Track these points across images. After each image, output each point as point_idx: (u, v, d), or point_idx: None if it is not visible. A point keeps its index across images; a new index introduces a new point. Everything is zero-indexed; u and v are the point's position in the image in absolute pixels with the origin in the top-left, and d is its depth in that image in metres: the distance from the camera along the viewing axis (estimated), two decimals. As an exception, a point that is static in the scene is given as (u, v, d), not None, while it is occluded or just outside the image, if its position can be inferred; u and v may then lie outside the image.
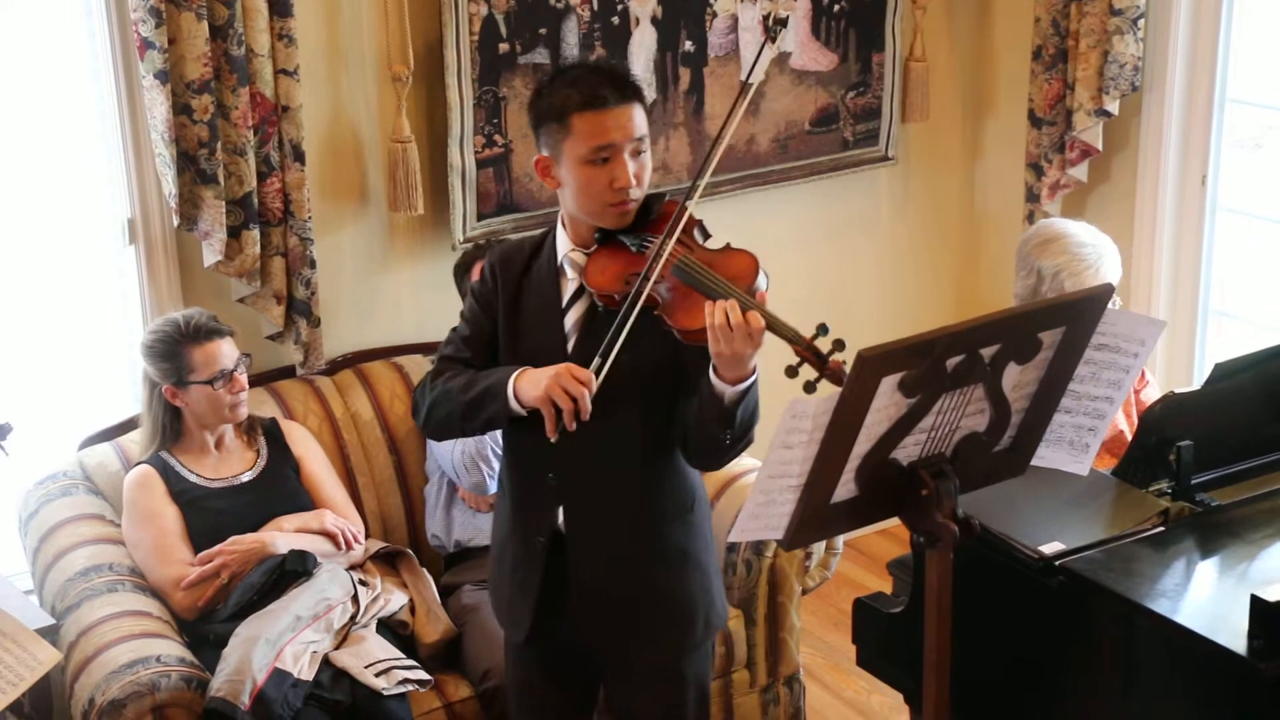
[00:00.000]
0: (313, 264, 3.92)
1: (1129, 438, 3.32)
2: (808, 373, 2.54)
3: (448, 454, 3.75)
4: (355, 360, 4.11)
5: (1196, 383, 3.30)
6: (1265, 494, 3.01)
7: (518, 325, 2.82)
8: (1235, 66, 4.37)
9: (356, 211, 4.10)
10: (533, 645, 2.96)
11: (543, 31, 4.11)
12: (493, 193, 4.15)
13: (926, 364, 2.40)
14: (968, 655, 2.74)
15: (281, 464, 3.70)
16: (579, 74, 2.72)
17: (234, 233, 3.79)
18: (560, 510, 2.84)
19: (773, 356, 2.62)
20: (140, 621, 3.32)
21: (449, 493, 3.86)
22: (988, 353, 2.47)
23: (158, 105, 3.62)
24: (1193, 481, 2.98)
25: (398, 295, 4.20)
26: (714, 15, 4.36)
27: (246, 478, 3.65)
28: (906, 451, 2.52)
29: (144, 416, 3.64)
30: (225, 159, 3.74)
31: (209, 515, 3.55)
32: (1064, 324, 2.52)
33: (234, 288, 3.91)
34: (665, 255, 2.66)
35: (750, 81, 2.75)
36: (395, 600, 3.56)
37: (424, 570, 3.72)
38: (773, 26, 2.75)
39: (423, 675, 3.39)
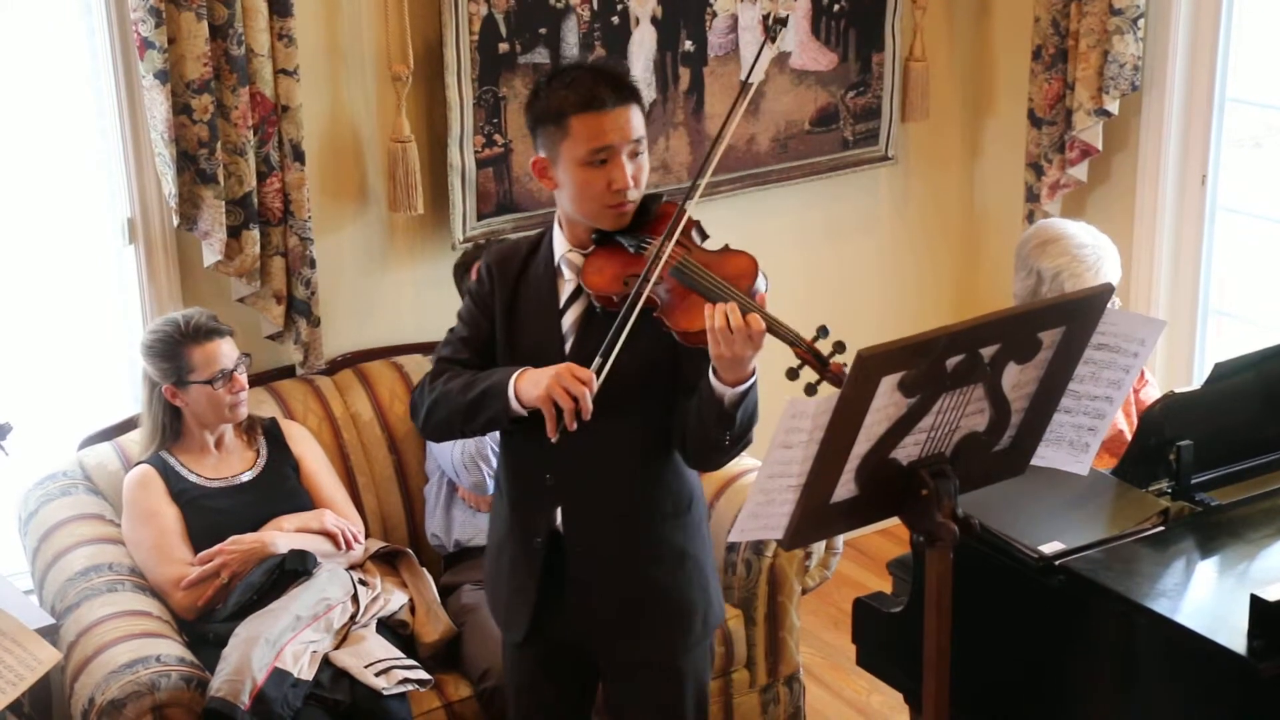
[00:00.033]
0: (312, 264, 3.92)
1: (1128, 437, 3.32)
2: (809, 375, 2.55)
3: (447, 454, 3.75)
4: (355, 360, 4.11)
5: (1196, 382, 3.30)
6: (1265, 494, 3.01)
7: (515, 325, 2.82)
8: (1235, 66, 4.37)
9: (356, 211, 4.10)
10: (530, 645, 2.96)
11: (543, 31, 4.11)
12: (492, 192, 4.15)
13: (926, 364, 2.40)
14: (967, 655, 2.74)
15: (281, 464, 3.70)
16: (576, 75, 2.71)
17: (234, 232, 3.79)
18: (559, 511, 2.84)
19: (773, 358, 2.63)
20: (140, 621, 3.32)
21: (449, 492, 3.86)
22: (988, 352, 2.47)
23: (157, 105, 3.61)
24: (1193, 481, 2.98)
25: (397, 295, 4.20)
26: (714, 15, 4.36)
27: (246, 477, 3.65)
28: (906, 451, 2.52)
29: (144, 416, 3.64)
30: (225, 159, 3.74)
31: (209, 515, 3.55)
32: (1064, 324, 2.52)
33: (234, 287, 3.91)
34: (665, 257, 2.66)
35: (750, 81, 2.75)
36: (395, 600, 3.56)
37: (424, 570, 3.72)
38: (773, 26, 2.75)
39: (422, 675, 3.39)
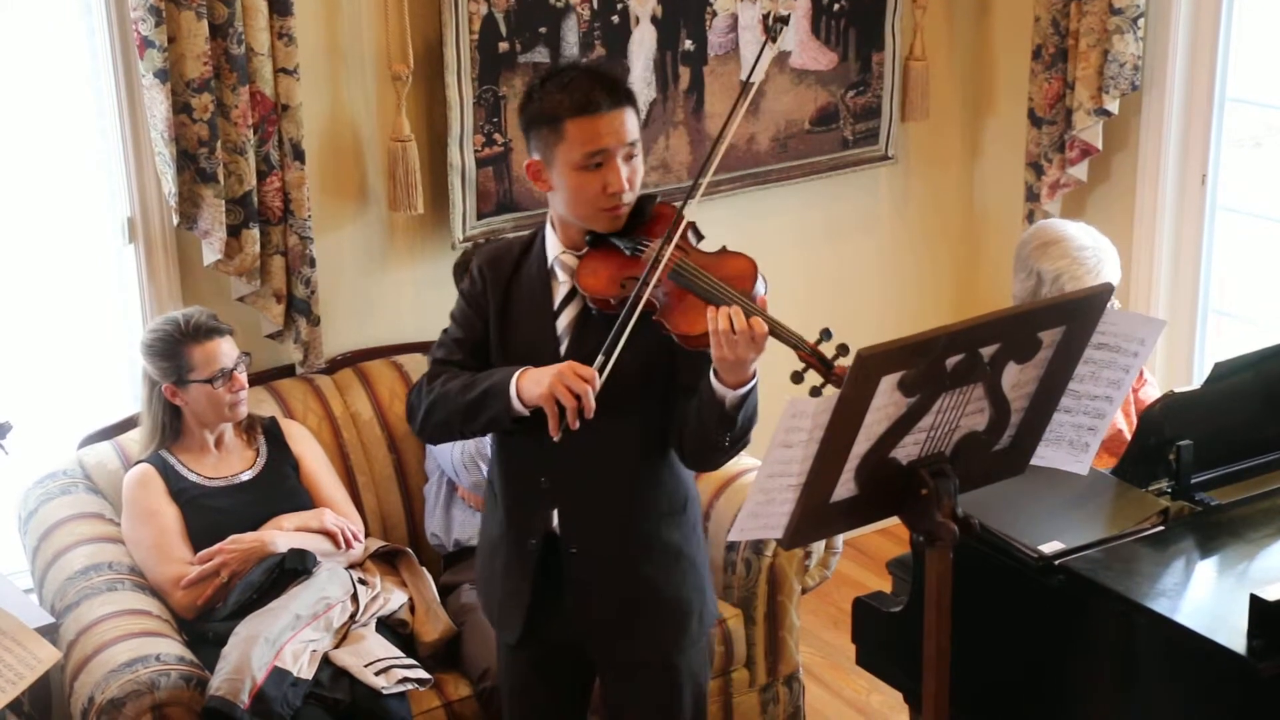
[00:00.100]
0: (312, 263, 3.92)
1: (1128, 437, 3.32)
2: (813, 378, 2.55)
3: (447, 453, 3.76)
4: (355, 359, 4.11)
5: (1196, 382, 3.30)
6: (1265, 493, 3.01)
7: (508, 326, 2.81)
8: (1235, 66, 4.37)
9: (356, 210, 4.10)
10: (525, 648, 2.95)
11: (542, 30, 4.11)
12: (492, 191, 4.15)
13: (926, 363, 2.40)
14: (967, 655, 2.74)
15: (281, 463, 3.70)
16: (571, 78, 2.69)
17: (234, 231, 3.79)
18: (555, 513, 2.83)
19: (775, 361, 2.63)
20: (140, 620, 3.32)
21: (448, 492, 3.86)
22: (987, 352, 2.47)
23: (157, 104, 3.61)
24: (1192, 481, 2.98)
25: (397, 294, 4.20)
26: (714, 14, 4.36)
27: (246, 476, 3.65)
28: (906, 451, 2.52)
29: (143, 415, 3.64)
30: (225, 158, 3.74)
31: (208, 514, 3.55)
32: (1064, 323, 2.52)
33: (234, 286, 3.91)
34: (664, 262, 2.65)
35: (751, 81, 2.73)
36: (395, 599, 3.56)
37: (423, 569, 3.72)
38: (773, 25, 2.73)
39: (422, 674, 3.39)
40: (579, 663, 2.99)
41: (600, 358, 2.63)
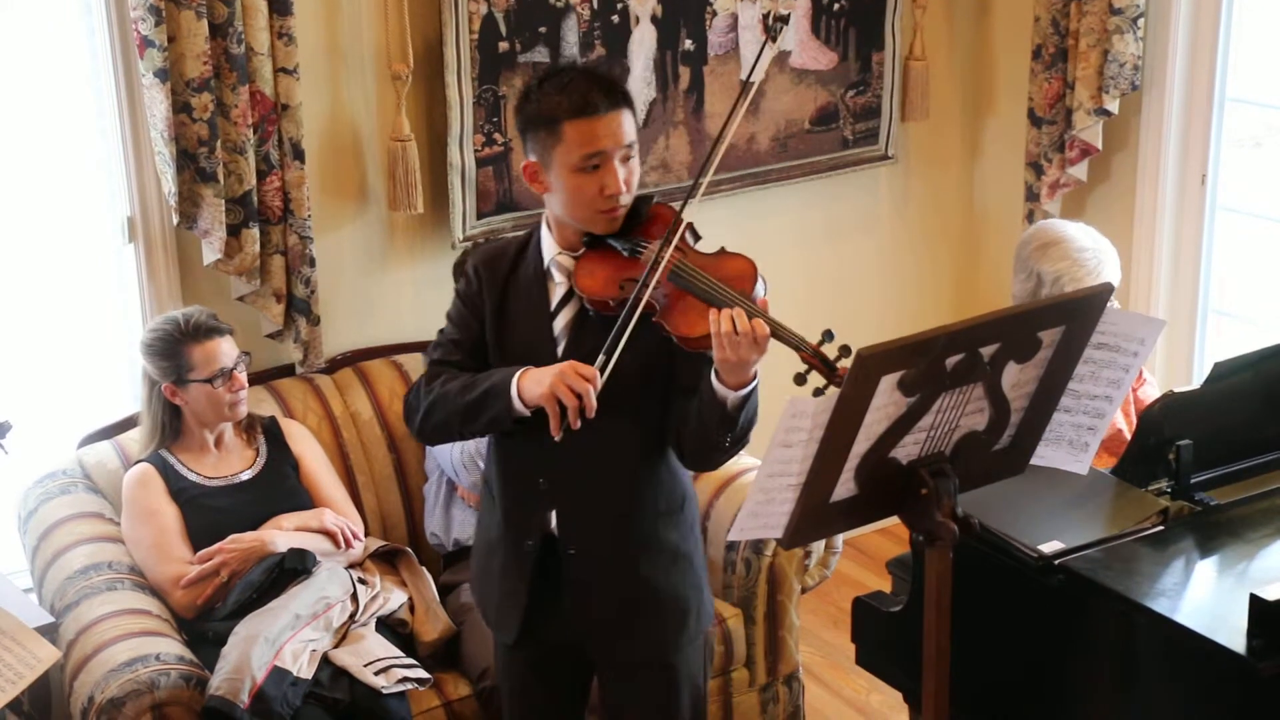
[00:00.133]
0: (312, 262, 3.92)
1: (1128, 437, 3.32)
2: (816, 380, 2.55)
3: (446, 453, 3.76)
4: (355, 359, 4.11)
5: (1196, 382, 3.30)
6: (1265, 493, 3.02)
7: (504, 327, 2.81)
8: (1235, 66, 4.37)
9: (356, 210, 4.10)
10: (522, 648, 2.95)
11: (542, 30, 4.11)
12: (492, 191, 4.15)
13: (926, 363, 2.40)
14: (967, 654, 2.74)
15: (281, 462, 3.70)
16: (568, 79, 2.68)
17: (233, 231, 3.79)
18: (553, 514, 2.83)
19: (776, 362, 2.63)
20: (139, 620, 3.32)
21: (448, 491, 3.86)
22: (987, 352, 2.47)
23: (157, 103, 3.61)
24: (1192, 481, 2.98)
25: (397, 294, 4.20)
26: (714, 14, 4.36)
27: (246, 476, 3.65)
28: (906, 450, 2.52)
29: (143, 415, 3.64)
30: (225, 157, 3.74)
31: (208, 514, 3.55)
32: (1063, 323, 2.52)
33: (233, 286, 3.91)
34: (664, 264, 2.65)
35: (751, 81, 2.73)
36: (394, 599, 3.56)
37: (423, 569, 3.72)
38: (773, 24, 2.73)
39: (422, 674, 3.39)
40: (577, 663, 2.99)
41: (601, 357, 2.62)
